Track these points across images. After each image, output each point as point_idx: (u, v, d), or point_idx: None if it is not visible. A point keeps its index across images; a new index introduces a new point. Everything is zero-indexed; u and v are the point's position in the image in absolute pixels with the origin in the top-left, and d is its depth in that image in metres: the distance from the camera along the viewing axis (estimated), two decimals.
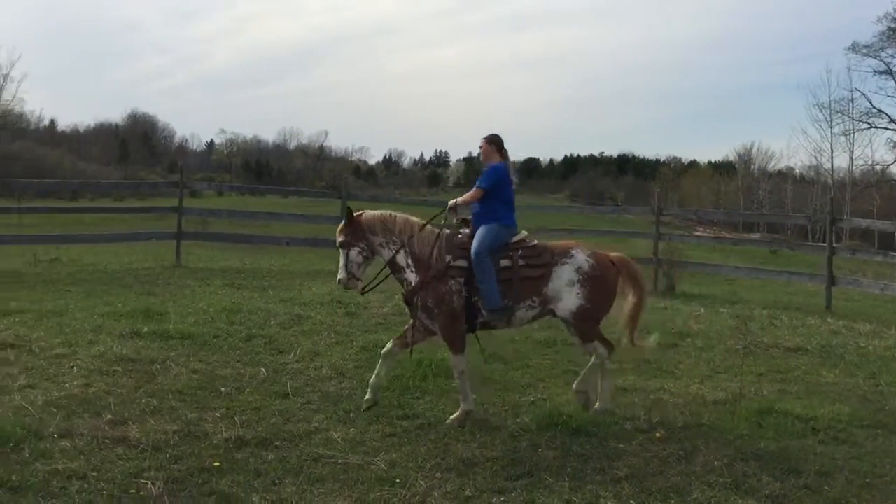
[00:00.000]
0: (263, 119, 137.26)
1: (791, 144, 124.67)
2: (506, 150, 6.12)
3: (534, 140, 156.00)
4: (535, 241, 5.76)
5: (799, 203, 59.27)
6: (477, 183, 5.88)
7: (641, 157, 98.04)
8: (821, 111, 51.95)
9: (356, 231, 5.69)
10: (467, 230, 5.75)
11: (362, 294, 5.91)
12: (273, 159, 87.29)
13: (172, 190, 15.32)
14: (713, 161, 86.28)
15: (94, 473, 4.15)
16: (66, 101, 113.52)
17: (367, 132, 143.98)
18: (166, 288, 10.19)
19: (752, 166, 73.96)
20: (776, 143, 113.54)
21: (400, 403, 5.67)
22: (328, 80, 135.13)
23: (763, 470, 4.60)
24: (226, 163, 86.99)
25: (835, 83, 71.31)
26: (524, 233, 5.80)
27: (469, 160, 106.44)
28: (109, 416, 5.02)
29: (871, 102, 49.17)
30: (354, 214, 5.78)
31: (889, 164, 49.60)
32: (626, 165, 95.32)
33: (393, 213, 5.87)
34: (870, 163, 50.54)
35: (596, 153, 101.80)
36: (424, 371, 6.35)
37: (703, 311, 10.40)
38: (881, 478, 4.62)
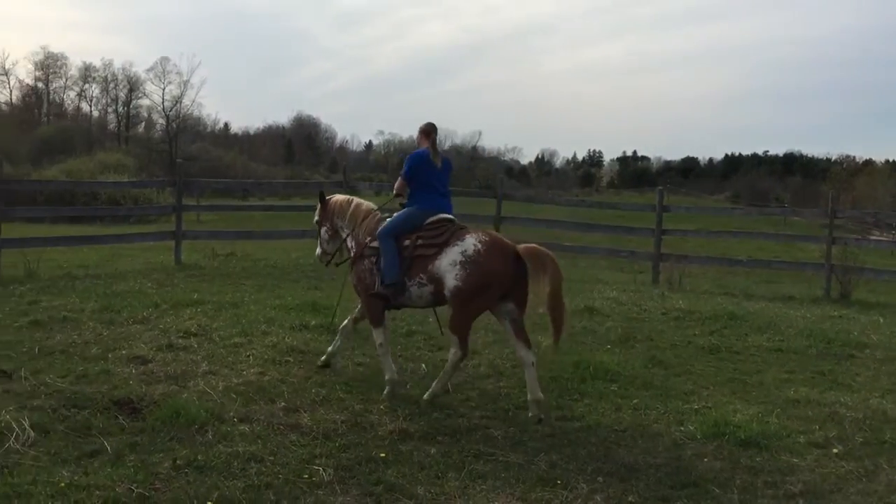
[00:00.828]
0: (419, 120, 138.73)
1: None
2: (434, 137, 6.55)
3: (692, 138, 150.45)
4: (449, 224, 5.97)
5: None
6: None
7: (810, 155, 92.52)
8: None
9: (324, 213, 6.57)
10: (386, 215, 6.31)
11: (326, 266, 6.82)
12: None
13: (336, 189, 15.98)
14: (891, 160, 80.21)
15: (271, 458, 4.40)
16: (239, 105, 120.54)
17: (519, 132, 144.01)
18: (331, 283, 10.60)
19: None
20: None
21: (559, 405, 5.65)
22: (482, 80, 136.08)
23: None
24: (383, 163, 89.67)
25: None
26: (442, 215, 6.01)
27: (623, 160, 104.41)
28: (283, 404, 5.31)
29: None
30: (325, 199, 6.62)
31: None
32: (792, 165, 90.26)
33: (353, 200, 6.58)
34: None
35: (759, 152, 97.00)
36: (583, 373, 6.30)
37: (882, 320, 9.69)
38: None
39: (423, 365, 6.51)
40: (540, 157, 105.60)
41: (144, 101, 72.65)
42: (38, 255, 11.64)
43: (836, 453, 4.85)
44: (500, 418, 5.33)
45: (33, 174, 34.06)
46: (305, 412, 5.18)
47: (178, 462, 4.24)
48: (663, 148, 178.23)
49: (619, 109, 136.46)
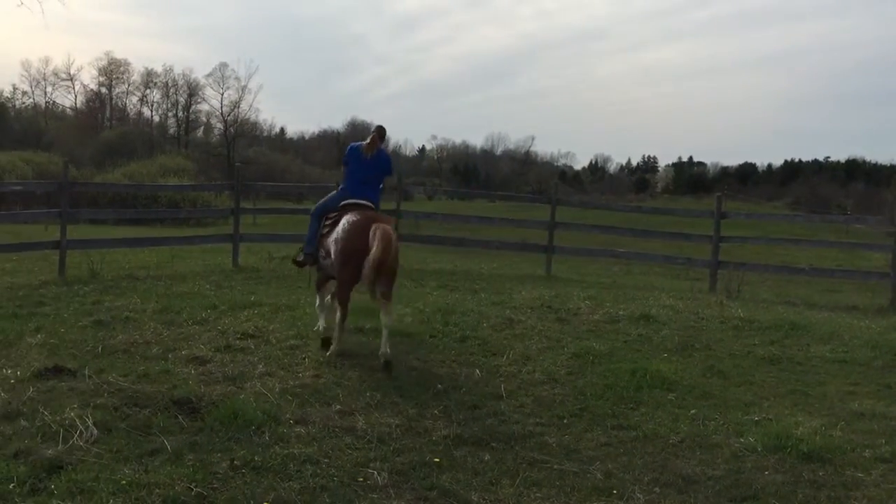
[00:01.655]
0: (472, 125, 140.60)
1: None
2: (375, 136, 7.35)
3: (749, 144, 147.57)
4: (356, 207, 6.94)
5: None
6: None
7: (873, 162, 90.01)
8: None
9: None
10: None
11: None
12: (481, 164, 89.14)
13: (389, 193, 16.09)
14: None
15: (326, 460, 4.43)
16: (294, 110, 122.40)
17: (573, 137, 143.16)
18: None
19: None
20: None
21: (614, 413, 5.57)
22: (536, 85, 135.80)
23: None
24: (436, 168, 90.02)
25: None
26: (356, 199, 7.07)
27: (679, 165, 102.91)
28: (338, 407, 5.35)
29: None
30: None
31: None
32: (855, 171, 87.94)
33: None
34: None
35: (820, 158, 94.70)
36: (639, 382, 6.21)
37: None
38: None
39: (477, 370, 6.48)
40: (593, 162, 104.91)
41: (203, 106, 74.40)
42: (102, 256, 11.98)
43: None
44: (555, 426, 5.28)
45: (97, 177, 35.07)
46: (360, 415, 5.21)
47: (235, 462, 4.30)
48: (720, 153, 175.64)
49: (674, 114, 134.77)
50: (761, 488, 4.34)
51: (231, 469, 4.22)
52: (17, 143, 50.09)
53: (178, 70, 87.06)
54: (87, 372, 5.80)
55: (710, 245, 13.33)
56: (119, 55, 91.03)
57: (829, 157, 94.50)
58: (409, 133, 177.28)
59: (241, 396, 5.40)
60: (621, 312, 9.17)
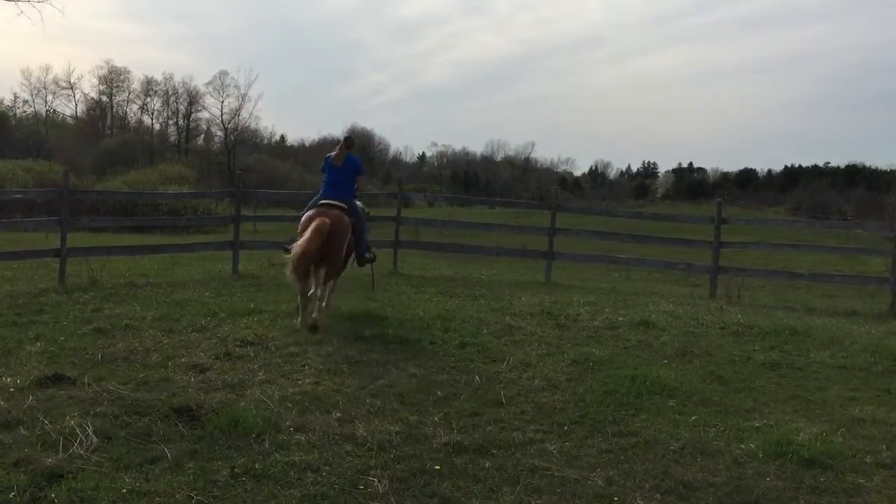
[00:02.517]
0: (472, 131, 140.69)
1: None
2: (342, 145, 8.85)
3: (749, 150, 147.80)
4: (325, 207, 8.40)
5: None
6: None
7: (874, 167, 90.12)
8: None
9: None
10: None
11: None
12: (481, 170, 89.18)
13: (390, 200, 16.12)
14: None
15: (326, 467, 4.43)
16: (295, 117, 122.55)
17: (573, 143, 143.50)
18: (384, 294, 10.69)
19: None
20: None
21: (615, 419, 5.56)
22: (535, 92, 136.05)
23: None
24: (436, 174, 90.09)
25: None
26: (323, 200, 8.54)
27: (679, 171, 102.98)
28: (339, 414, 5.34)
29: None
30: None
31: None
32: (855, 177, 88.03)
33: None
34: None
35: (820, 163, 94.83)
36: (639, 388, 6.20)
37: None
38: None
39: (477, 377, 6.48)
40: (594, 168, 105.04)
41: (204, 114, 74.45)
42: (102, 264, 11.98)
43: None
44: (556, 432, 5.27)
45: (97, 185, 35.10)
46: (360, 423, 5.20)
47: (235, 470, 4.29)
48: (720, 159, 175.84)
49: (673, 120, 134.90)
50: (762, 495, 4.33)
51: (231, 477, 4.22)
52: (18, 151, 50.07)
53: (178, 78, 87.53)
54: (86, 380, 5.81)
55: (710, 251, 13.33)
56: (119, 63, 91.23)
57: (829, 163, 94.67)
58: (409, 140, 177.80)
59: (241, 404, 5.40)
60: (621, 318, 9.18)
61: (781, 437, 5.10)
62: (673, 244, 15.28)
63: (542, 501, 4.14)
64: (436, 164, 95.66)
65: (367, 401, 5.70)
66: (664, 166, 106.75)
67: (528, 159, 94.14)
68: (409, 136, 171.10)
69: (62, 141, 62.96)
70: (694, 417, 5.64)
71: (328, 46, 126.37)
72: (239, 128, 71.84)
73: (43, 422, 4.85)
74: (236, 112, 71.33)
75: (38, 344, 6.98)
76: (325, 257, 8.05)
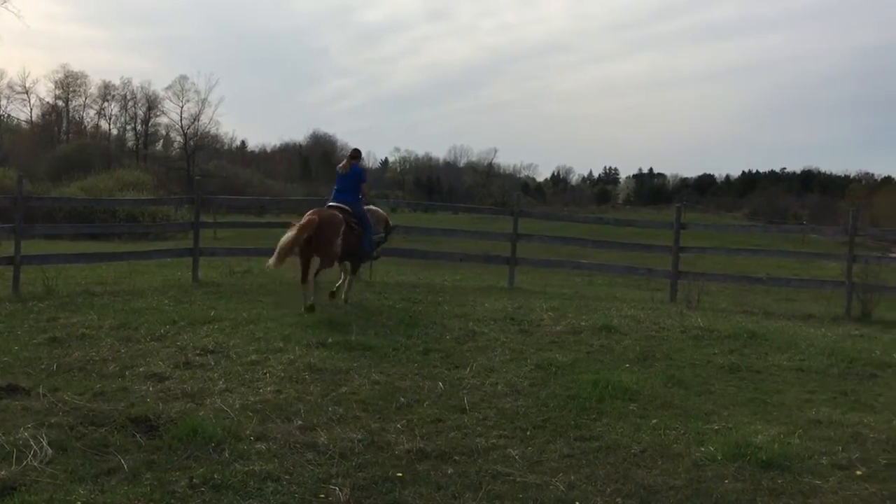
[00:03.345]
0: (435, 137, 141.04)
1: None
2: (348, 156, 10.77)
3: (708, 155, 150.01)
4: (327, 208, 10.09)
5: None
6: None
7: (828, 172, 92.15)
8: None
9: None
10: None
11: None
12: (444, 176, 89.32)
13: None
14: None
15: (287, 476, 4.37)
16: (256, 123, 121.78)
17: (535, 149, 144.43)
18: (353, 300, 10.62)
19: None
20: None
21: (577, 424, 5.58)
22: (498, 98, 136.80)
23: None
24: (399, 180, 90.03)
25: None
26: (329, 203, 10.29)
27: (639, 177, 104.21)
28: (300, 422, 5.28)
29: None
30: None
31: None
32: (810, 182, 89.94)
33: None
34: None
35: (777, 169, 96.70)
36: (601, 392, 6.24)
37: None
38: None
39: (440, 383, 6.46)
40: (556, 174, 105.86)
41: (163, 119, 73.64)
42: (57, 272, 11.74)
43: (860, 475, 4.76)
44: (518, 438, 5.27)
45: (53, 191, 34.40)
46: (322, 430, 5.15)
47: (194, 480, 4.22)
48: (680, 165, 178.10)
49: (635, 126, 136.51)
50: (721, 497, 4.38)
51: (190, 487, 4.14)
52: None
53: (136, 83, 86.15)
54: (41, 390, 5.68)
55: (670, 255, 13.49)
56: (76, 68, 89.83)
57: (785, 168, 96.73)
58: (373, 145, 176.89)
59: (201, 413, 5.32)
60: (583, 323, 9.24)
61: (740, 439, 5.16)
62: (634, 249, 15.44)
63: None
64: (399, 169, 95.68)
65: (330, 408, 5.65)
66: (625, 172, 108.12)
67: (490, 165, 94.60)
68: (373, 141, 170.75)
69: (16, 146, 61.70)
70: (655, 421, 5.69)
71: (291, 51, 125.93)
72: (199, 133, 71.18)
73: None
74: (196, 117, 70.70)
75: None
76: (314, 249, 9.47)
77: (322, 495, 4.16)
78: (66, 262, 13.01)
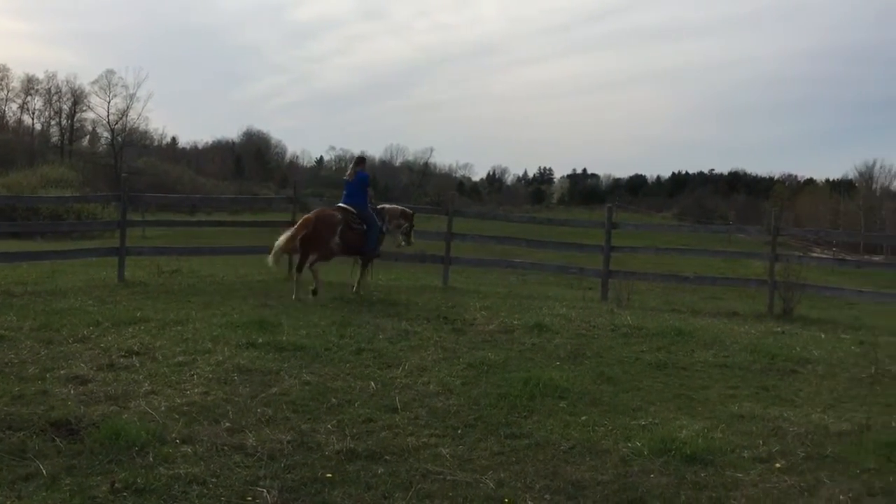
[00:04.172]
0: (371, 136, 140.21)
1: None
2: (354, 162, 12.27)
3: (640, 156, 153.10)
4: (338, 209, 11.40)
5: None
6: None
7: (754, 174, 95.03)
8: None
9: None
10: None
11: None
12: (379, 175, 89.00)
13: (286, 205, 15.85)
14: (831, 179, 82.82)
15: (214, 479, 4.29)
16: (188, 119, 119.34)
17: (471, 149, 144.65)
18: (279, 300, 10.50)
19: (874, 185, 70.52)
20: None
21: (508, 422, 5.63)
22: (434, 97, 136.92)
23: None
24: (334, 178, 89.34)
25: None
26: (340, 204, 11.54)
27: (573, 177, 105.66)
28: (228, 424, 5.19)
29: None
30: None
31: None
32: (737, 183, 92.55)
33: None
34: None
35: (705, 170, 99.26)
36: (532, 390, 6.29)
37: (823, 336, 9.92)
38: None
39: (372, 383, 6.43)
40: (491, 173, 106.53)
41: (89, 115, 71.55)
42: None
43: (779, 468, 4.91)
44: (450, 436, 5.28)
45: None
46: (250, 432, 5.07)
47: (116, 485, 4.10)
48: (613, 165, 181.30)
49: (569, 127, 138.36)
50: (647, 491, 4.47)
51: (111, 492, 4.03)
52: None
53: (61, 77, 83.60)
54: None
55: (601, 255, 13.71)
56: None
57: (713, 170, 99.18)
58: (307, 143, 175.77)
59: (124, 416, 5.18)
60: (516, 322, 9.32)
61: (666, 434, 5.28)
62: (567, 248, 15.66)
63: None
64: (334, 168, 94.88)
65: (259, 410, 5.57)
66: (559, 172, 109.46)
67: (426, 164, 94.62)
68: (307, 139, 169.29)
69: None
70: (584, 418, 5.77)
71: (223, 48, 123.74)
72: (127, 129, 69.32)
73: None
74: (124, 113, 68.88)
75: None
76: (310, 244, 10.81)
77: (249, 498, 4.10)
78: None
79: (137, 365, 6.59)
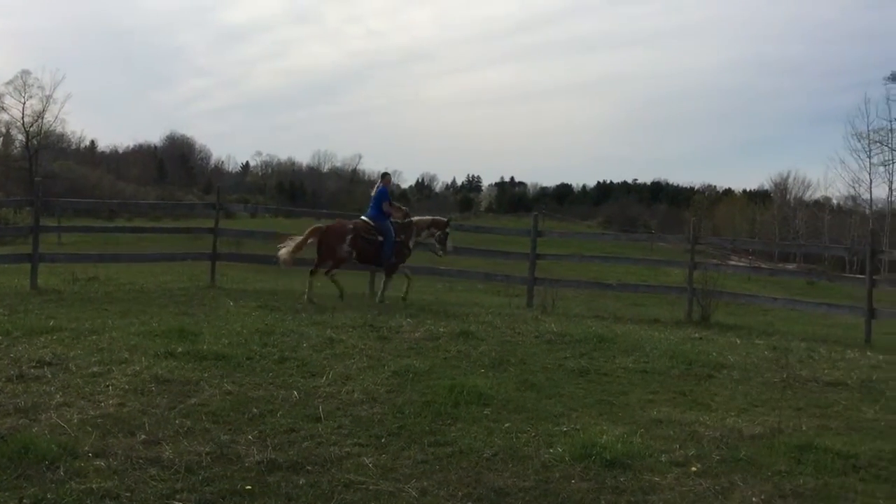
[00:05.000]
0: (299, 141, 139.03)
1: (828, 174, 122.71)
2: (380, 178, 13.07)
3: (566, 166, 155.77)
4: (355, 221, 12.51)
5: (836, 234, 58.47)
6: None
7: (675, 184, 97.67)
8: (859, 141, 51.43)
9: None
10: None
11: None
12: (307, 182, 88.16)
13: (209, 211, 15.54)
14: (748, 190, 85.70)
15: (128, 494, 4.16)
16: (108, 122, 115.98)
17: (400, 156, 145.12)
18: (201, 308, 10.29)
19: (788, 195, 73.27)
20: (813, 173, 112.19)
21: (432, 430, 5.62)
22: (363, 104, 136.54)
23: None
24: (260, 184, 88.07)
25: (873, 113, 69.63)
26: (363, 217, 12.51)
27: (501, 185, 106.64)
28: (144, 436, 5.04)
29: None
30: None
31: None
32: (659, 193, 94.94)
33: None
34: None
35: (629, 180, 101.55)
36: (456, 398, 6.30)
37: (738, 342, 10.24)
38: None
39: (295, 392, 6.35)
40: (420, 181, 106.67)
41: (3, 116, 68.52)
42: None
43: (695, 471, 5.04)
44: (373, 445, 5.25)
45: None
46: (167, 444, 4.94)
47: (24, 501, 3.95)
48: (540, 174, 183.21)
49: (497, 136, 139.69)
50: (568, 497, 4.52)
51: None
52: None
53: None
54: None
55: (527, 262, 13.87)
56: None
57: (637, 180, 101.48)
58: (233, 149, 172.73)
59: (34, 429, 4.98)
60: (442, 329, 9.33)
61: (587, 440, 5.35)
62: (493, 256, 15.76)
63: None
64: (260, 173, 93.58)
65: (177, 421, 5.43)
66: (488, 180, 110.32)
67: (355, 171, 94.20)
68: (234, 144, 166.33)
69: None
70: (507, 424, 5.81)
71: (146, 49, 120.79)
72: (42, 131, 66.81)
73: None
74: (40, 115, 66.31)
75: None
76: (321, 250, 12.06)
77: None
78: None
79: (49, 376, 6.35)
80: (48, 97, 66.23)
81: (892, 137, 49.24)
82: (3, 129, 69.78)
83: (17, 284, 12.12)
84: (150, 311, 9.73)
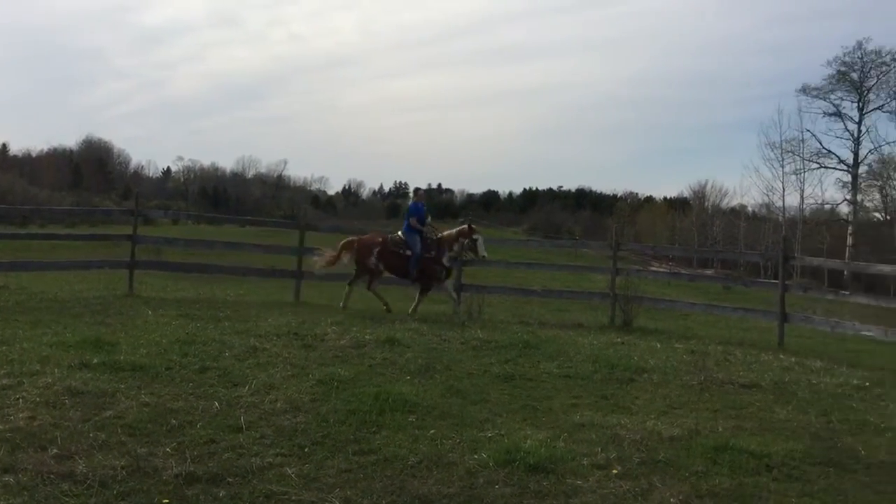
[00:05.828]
0: (222, 146, 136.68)
1: (744, 182, 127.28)
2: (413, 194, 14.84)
3: (493, 173, 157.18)
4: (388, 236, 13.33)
5: (751, 240, 60.55)
6: None
7: (599, 191, 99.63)
8: (772, 151, 53.39)
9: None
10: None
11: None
12: (231, 188, 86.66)
13: (127, 217, 15.11)
14: (668, 197, 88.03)
15: None
16: (20, 125, 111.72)
17: (326, 162, 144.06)
18: (118, 318, 9.98)
19: (706, 203, 75.56)
20: (729, 181, 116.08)
21: (356, 438, 5.58)
22: (288, 109, 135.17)
23: None
24: (182, 190, 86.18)
25: (786, 124, 72.05)
26: (399, 234, 13.22)
27: (429, 192, 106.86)
28: (55, 451, 4.85)
29: (820, 143, 51.09)
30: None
31: (838, 204, 51.15)
32: (583, 200, 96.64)
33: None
34: (820, 202, 52.08)
35: (554, 187, 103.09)
36: (382, 405, 6.27)
37: (658, 346, 10.48)
38: None
39: (216, 403, 6.21)
40: (347, 187, 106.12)
41: None
42: None
43: (616, 473, 5.13)
44: (296, 455, 5.17)
45: None
46: (81, 458, 4.76)
47: None
48: (467, 181, 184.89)
49: (424, 143, 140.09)
50: (491, 502, 4.54)
51: None
52: None
53: None
54: None
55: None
56: None
57: (562, 187, 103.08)
58: (154, 153, 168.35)
59: None
60: (368, 337, 9.28)
61: (511, 445, 5.40)
62: None
63: None
64: (182, 179, 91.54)
65: (91, 434, 5.24)
66: (415, 187, 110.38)
67: (280, 177, 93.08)
68: (155, 149, 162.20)
69: None
70: (432, 431, 5.80)
71: (61, 50, 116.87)
72: None
73: None
74: None
75: None
76: (356, 263, 13.02)
77: None
78: None
79: None
80: None
81: (803, 147, 51.25)
82: None
83: None
84: (64, 321, 9.39)
